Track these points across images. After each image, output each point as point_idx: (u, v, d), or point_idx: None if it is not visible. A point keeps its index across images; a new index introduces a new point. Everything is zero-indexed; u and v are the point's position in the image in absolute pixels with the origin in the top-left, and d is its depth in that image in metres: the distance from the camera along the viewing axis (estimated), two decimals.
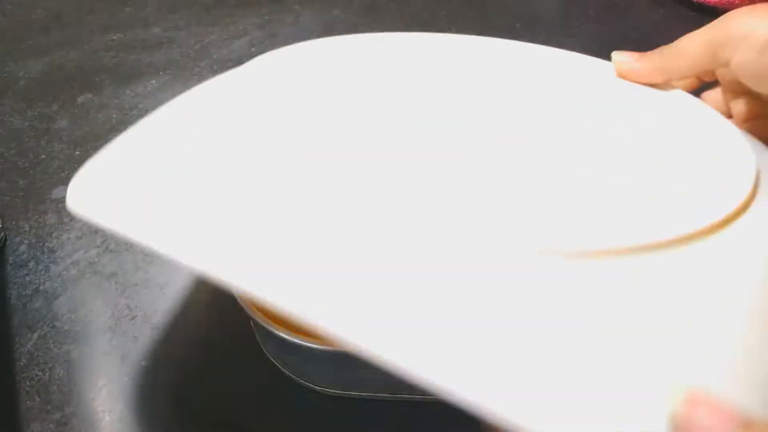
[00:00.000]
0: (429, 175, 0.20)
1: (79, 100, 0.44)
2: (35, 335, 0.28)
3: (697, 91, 0.28)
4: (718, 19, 0.24)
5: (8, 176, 0.37)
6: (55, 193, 0.36)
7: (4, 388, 0.26)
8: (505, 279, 0.15)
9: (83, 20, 0.55)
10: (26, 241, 0.33)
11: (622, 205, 0.19)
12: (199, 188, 0.18)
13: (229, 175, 0.19)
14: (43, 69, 0.48)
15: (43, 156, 0.39)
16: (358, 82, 0.26)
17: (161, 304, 0.30)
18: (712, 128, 0.24)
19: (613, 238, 0.17)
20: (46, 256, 0.32)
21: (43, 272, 0.31)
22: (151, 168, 0.20)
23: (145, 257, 0.32)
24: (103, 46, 0.50)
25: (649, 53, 0.27)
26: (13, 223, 0.34)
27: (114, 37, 0.52)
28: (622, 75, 0.28)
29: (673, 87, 0.27)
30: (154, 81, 0.46)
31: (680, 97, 0.27)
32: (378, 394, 0.26)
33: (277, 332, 0.24)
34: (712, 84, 0.28)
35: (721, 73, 0.27)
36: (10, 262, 0.32)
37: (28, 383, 0.26)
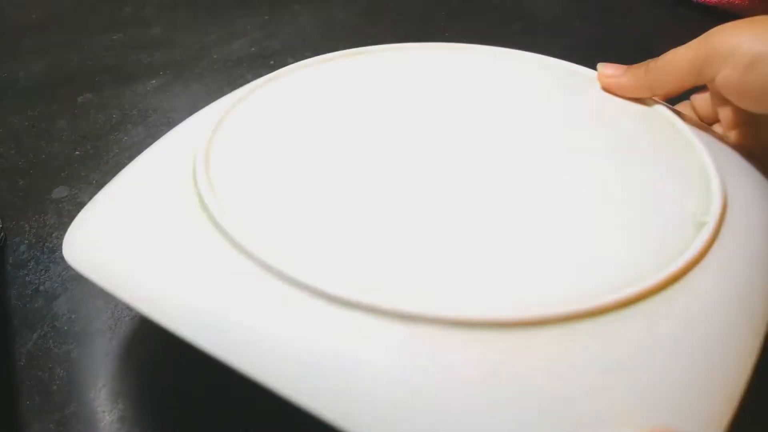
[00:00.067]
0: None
1: (79, 100, 0.44)
2: (35, 335, 0.28)
3: (689, 92, 0.28)
4: (704, 35, 0.24)
5: (8, 176, 0.37)
6: (55, 193, 0.36)
7: (4, 388, 0.26)
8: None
9: (83, 20, 0.55)
10: (26, 241, 0.33)
11: (555, 266, 0.19)
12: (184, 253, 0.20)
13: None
14: (43, 69, 0.48)
15: (43, 156, 0.39)
16: (352, 101, 0.27)
17: None
18: (683, 165, 0.23)
19: (535, 305, 0.17)
20: (46, 256, 0.32)
21: (43, 272, 0.31)
22: (141, 220, 0.21)
23: None
24: (103, 46, 0.50)
25: (634, 67, 0.27)
26: (13, 223, 0.34)
27: (114, 37, 0.52)
28: (606, 88, 0.27)
29: (655, 102, 0.27)
30: (154, 81, 0.46)
31: (658, 117, 0.26)
32: None
33: None
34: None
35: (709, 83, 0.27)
36: (10, 262, 0.32)
37: (28, 383, 0.26)
